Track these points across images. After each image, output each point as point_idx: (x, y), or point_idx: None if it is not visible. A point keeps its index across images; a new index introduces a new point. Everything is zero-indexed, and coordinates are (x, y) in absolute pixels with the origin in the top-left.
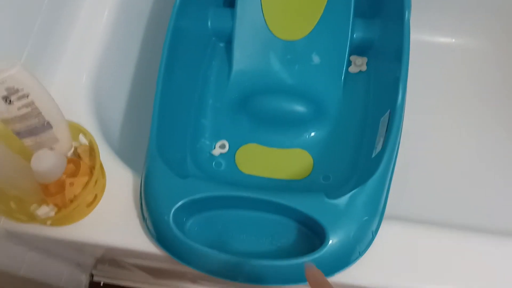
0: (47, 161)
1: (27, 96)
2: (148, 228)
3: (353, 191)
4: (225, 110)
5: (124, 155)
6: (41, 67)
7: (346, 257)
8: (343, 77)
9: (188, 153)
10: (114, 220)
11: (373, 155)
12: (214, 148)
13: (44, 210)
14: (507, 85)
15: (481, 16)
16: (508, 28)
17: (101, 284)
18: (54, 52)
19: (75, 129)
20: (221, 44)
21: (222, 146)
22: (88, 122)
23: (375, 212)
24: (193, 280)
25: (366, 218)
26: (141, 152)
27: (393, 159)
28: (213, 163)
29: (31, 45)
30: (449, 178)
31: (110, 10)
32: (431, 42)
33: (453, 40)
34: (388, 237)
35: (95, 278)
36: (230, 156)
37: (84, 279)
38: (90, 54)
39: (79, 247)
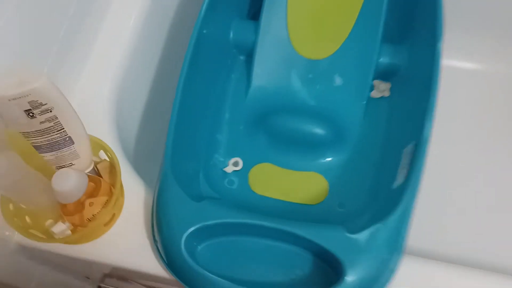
0: (68, 182)
1: (51, 111)
2: (158, 250)
3: (374, 226)
4: (241, 126)
5: (138, 165)
6: (63, 78)
7: None
8: (365, 101)
9: (201, 168)
10: (126, 240)
11: (394, 186)
12: (228, 165)
13: (60, 227)
14: None
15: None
16: None
17: None
18: (77, 64)
19: (96, 145)
20: (242, 57)
21: (236, 164)
22: (107, 134)
23: (396, 249)
24: None
25: (386, 255)
26: (155, 162)
27: (416, 194)
28: (226, 180)
29: (55, 54)
30: (474, 213)
31: (135, 20)
32: (458, 67)
33: (481, 66)
34: (407, 275)
35: None
36: (243, 174)
37: None
38: (112, 66)
39: (90, 264)
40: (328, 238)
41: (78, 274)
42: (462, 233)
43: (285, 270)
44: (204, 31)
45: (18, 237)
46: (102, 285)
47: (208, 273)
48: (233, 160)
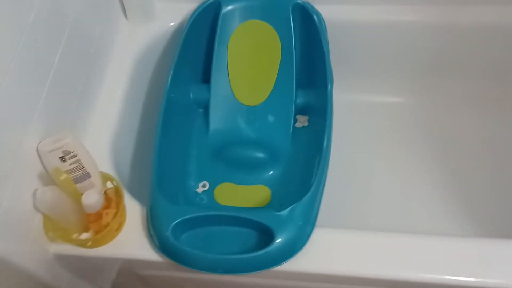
0: (93, 197)
1: (76, 156)
2: (154, 242)
3: (293, 205)
4: (205, 158)
5: (132, 190)
6: (79, 130)
7: (289, 251)
8: (291, 131)
9: (179, 191)
10: (131, 240)
11: (311, 182)
12: (198, 187)
13: (86, 235)
14: (421, 132)
15: (400, 77)
16: (422, 86)
17: None
18: (85, 120)
19: (105, 177)
20: (200, 110)
21: (204, 186)
22: (109, 170)
23: (309, 220)
24: None
25: (301, 223)
26: (144, 189)
27: (322, 185)
28: (198, 198)
29: (72, 117)
30: (369, 195)
31: (122, 90)
32: (361, 100)
33: (378, 98)
34: (319, 238)
35: None
36: (210, 192)
37: None
38: (109, 122)
39: (109, 262)
40: (263, 216)
41: (95, 283)
42: (358, 211)
43: (240, 243)
44: (172, 95)
45: (54, 248)
46: None
47: (189, 249)
48: (202, 183)
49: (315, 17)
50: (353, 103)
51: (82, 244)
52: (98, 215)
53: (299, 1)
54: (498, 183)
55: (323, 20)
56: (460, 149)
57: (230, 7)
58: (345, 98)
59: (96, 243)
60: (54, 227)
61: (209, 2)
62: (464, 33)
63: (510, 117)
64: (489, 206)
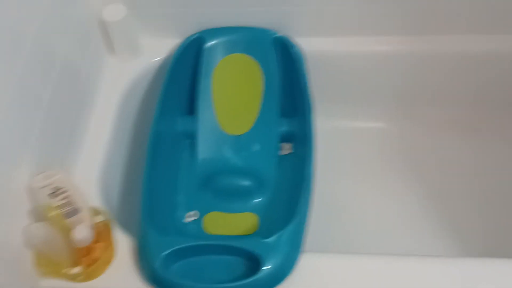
0: (83, 232)
1: (66, 191)
2: (144, 274)
3: (279, 232)
4: (193, 188)
5: (122, 223)
6: (69, 165)
7: (277, 277)
8: (276, 158)
9: (168, 221)
10: (121, 273)
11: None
12: (187, 217)
13: (76, 270)
14: (401, 156)
15: (378, 104)
16: (400, 113)
17: None
18: (74, 157)
19: (95, 211)
20: (187, 141)
21: (193, 215)
22: (99, 203)
23: (295, 246)
24: None
25: (288, 249)
26: (134, 221)
27: (307, 211)
28: (187, 228)
29: (62, 153)
30: (354, 221)
31: (111, 124)
32: (343, 127)
33: (359, 124)
34: (306, 264)
35: None
36: (199, 222)
37: None
38: (99, 155)
39: None
40: (250, 244)
41: None
42: (345, 235)
43: (229, 271)
44: (159, 127)
45: (45, 284)
46: None
47: (178, 279)
48: (190, 213)
49: (294, 49)
50: (335, 130)
51: (73, 278)
52: (89, 249)
53: (279, 35)
54: (479, 203)
55: (302, 51)
56: (440, 173)
57: (213, 42)
58: (327, 125)
59: (87, 277)
60: (44, 262)
61: (193, 37)
62: (436, 62)
63: (485, 141)
64: (472, 226)
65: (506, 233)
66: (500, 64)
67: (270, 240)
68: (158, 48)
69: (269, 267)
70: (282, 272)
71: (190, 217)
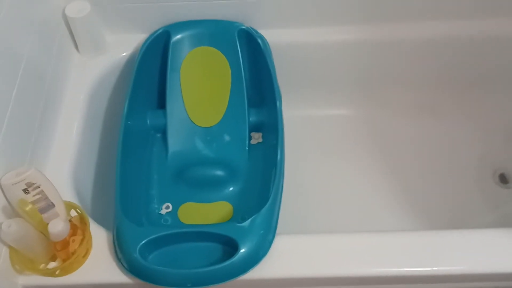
0: (59, 225)
1: (39, 187)
2: (122, 265)
3: (253, 216)
4: (167, 180)
5: (96, 217)
6: (39, 164)
7: (253, 259)
8: (247, 148)
9: (143, 215)
10: (99, 265)
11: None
12: (161, 209)
13: (53, 265)
14: (366, 139)
15: (343, 91)
16: (363, 98)
17: None
18: (45, 154)
19: (69, 206)
20: (158, 135)
21: (167, 207)
22: (72, 198)
23: (269, 229)
24: None
25: (262, 232)
26: (108, 215)
27: (279, 195)
28: (162, 219)
29: (31, 151)
30: (323, 204)
31: (79, 121)
32: (310, 114)
33: (325, 111)
34: (280, 245)
35: None
36: (174, 213)
37: None
38: (68, 152)
39: None
40: (226, 229)
41: None
42: (316, 216)
43: (206, 257)
44: (129, 122)
45: (22, 280)
46: None
47: (157, 267)
48: (165, 205)
49: (259, 40)
50: (303, 118)
51: (51, 273)
52: (65, 243)
53: (243, 27)
54: (440, 181)
55: (267, 43)
56: (405, 153)
57: (179, 36)
58: (295, 113)
59: (64, 271)
60: (21, 259)
61: (158, 32)
62: (396, 48)
63: (446, 120)
64: (435, 202)
65: (468, 206)
66: (459, 47)
67: (244, 224)
68: (123, 44)
69: (245, 250)
70: (258, 254)
71: (165, 209)
